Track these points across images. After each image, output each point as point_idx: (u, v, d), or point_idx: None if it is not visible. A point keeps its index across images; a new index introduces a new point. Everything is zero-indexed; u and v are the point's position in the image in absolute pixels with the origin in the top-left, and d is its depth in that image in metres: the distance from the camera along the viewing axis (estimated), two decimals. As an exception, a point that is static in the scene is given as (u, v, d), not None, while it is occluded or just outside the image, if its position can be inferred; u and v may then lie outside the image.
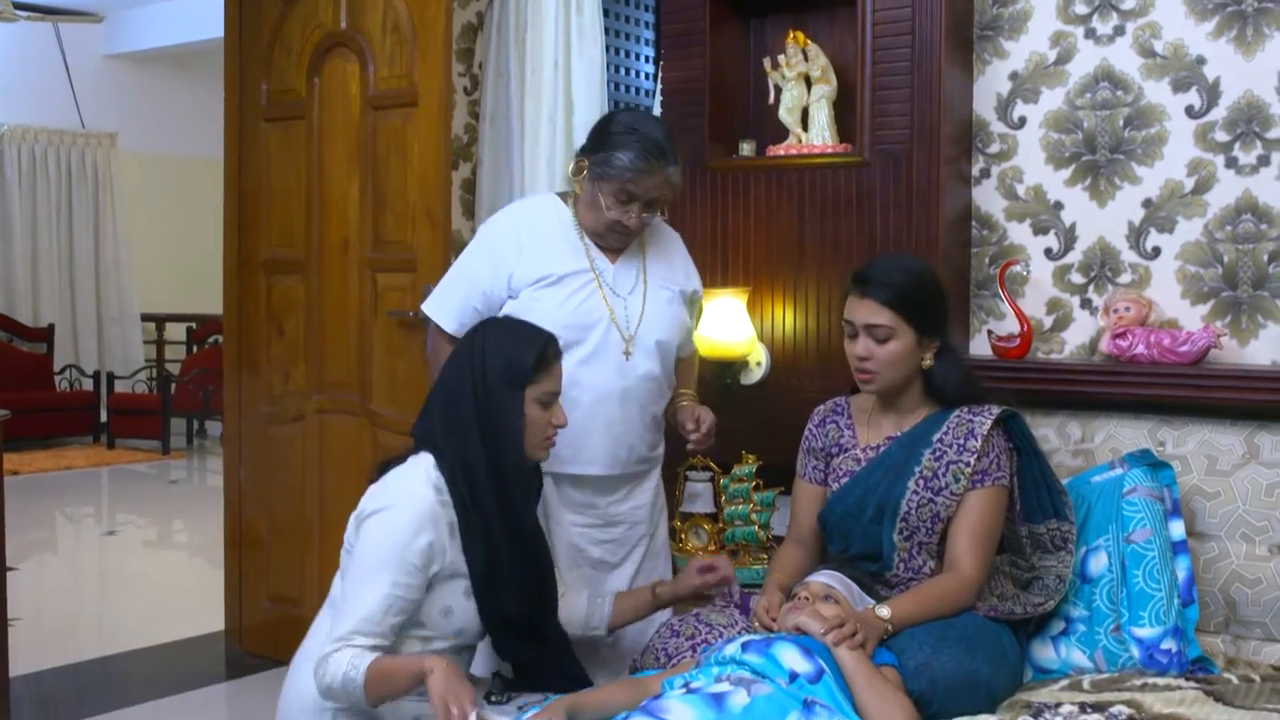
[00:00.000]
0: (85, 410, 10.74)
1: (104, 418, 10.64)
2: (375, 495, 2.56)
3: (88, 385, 10.94)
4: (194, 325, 11.69)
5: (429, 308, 3.10)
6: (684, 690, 2.24)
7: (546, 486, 2.96)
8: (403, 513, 2.47)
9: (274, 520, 4.75)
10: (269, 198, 4.76)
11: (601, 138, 2.97)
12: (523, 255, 2.99)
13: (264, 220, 4.77)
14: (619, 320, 3.00)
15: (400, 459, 2.62)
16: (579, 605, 2.87)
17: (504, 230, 3.06)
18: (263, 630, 4.79)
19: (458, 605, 2.54)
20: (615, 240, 3.03)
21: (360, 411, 4.50)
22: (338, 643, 2.40)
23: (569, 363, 2.90)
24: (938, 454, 2.79)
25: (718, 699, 2.16)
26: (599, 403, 2.97)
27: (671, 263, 3.16)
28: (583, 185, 3.00)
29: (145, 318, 11.72)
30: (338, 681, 2.36)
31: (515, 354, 2.58)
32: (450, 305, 3.05)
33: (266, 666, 4.67)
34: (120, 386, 10.89)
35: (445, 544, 2.50)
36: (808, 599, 2.61)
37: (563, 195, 3.13)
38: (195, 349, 11.56)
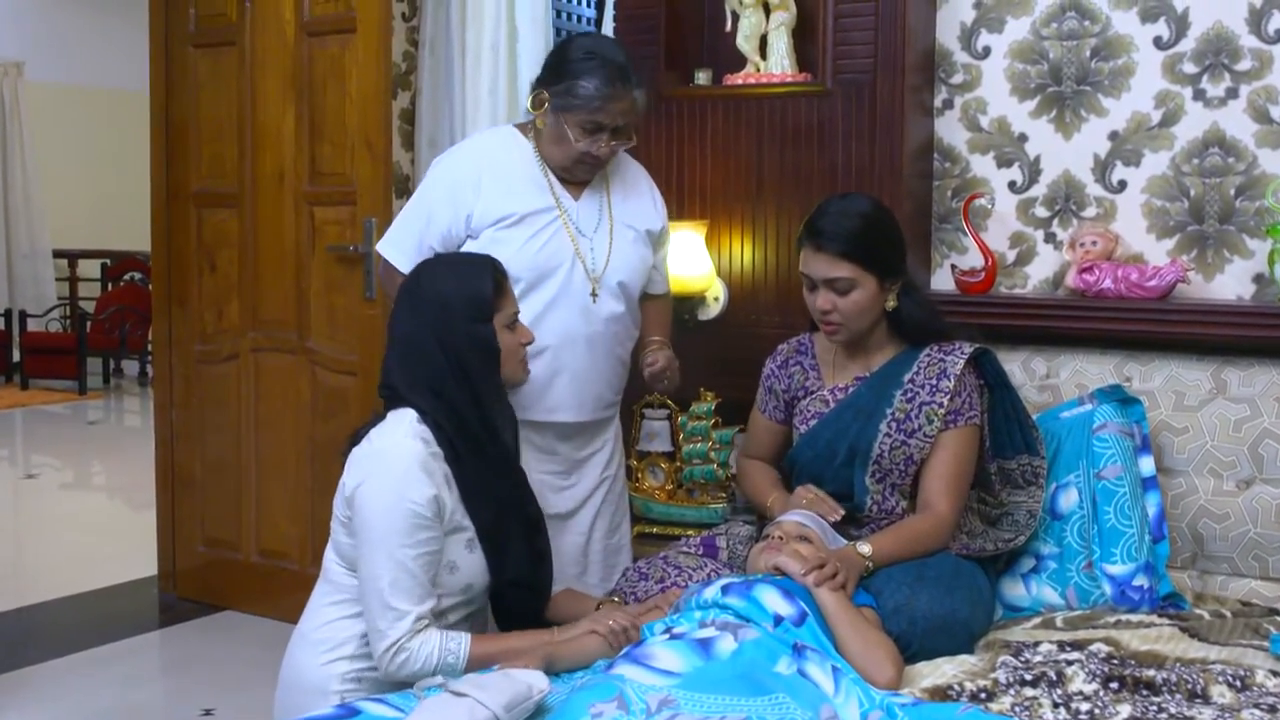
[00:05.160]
0: (-4, 350, 10.42)
1: (17, 357, 10.34)
2: (360, 462, 2.41)
3: (-1, 324, 10.61)
4: (109, 262, 11.35)
5: (384, 248, 2.96)
6: (667, 636, 2.17)
7: None
8: (397, 472, 2.34)
9: (207, 461, 4.63)
10: (198, 128, 4.59)
11: (560, 66, 2.83)
12: (483, 193, 2.85)
13: (193, 151, 4.61)
14: (585, 260, 2.89)
15: (372, 423, 2.48)
16: None
17: (463, 167, 2.91)
18: (197, 574, 4.67)
19: (461, 559, 2.43)
20: (584, 173, 2.91)
21: (297, 349, 4.38)
22: (403, 630, 2.29)
23: (533, 306, 2.81)
24: (909, 395, 2.73)
25: (704, 644, 2.09)
26: (565, 347, 2.87)
27: (637, 199, 3.03)
28: (544, 119, 2.86)
29: (58, 254, 11.35)
30: (430, 668, 2.30)
31: (472, 288, 2.46)
32: (406, 245, 2.90)
33: (203, 612, 4.56)
34: (33, 325, 10.55)
35: (445, 497, 2.38)
36: (782, 538, 2.55)
37: (521, 127, 2.99)
38: (110, 286, 11.24)
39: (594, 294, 2.89)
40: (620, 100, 2.79)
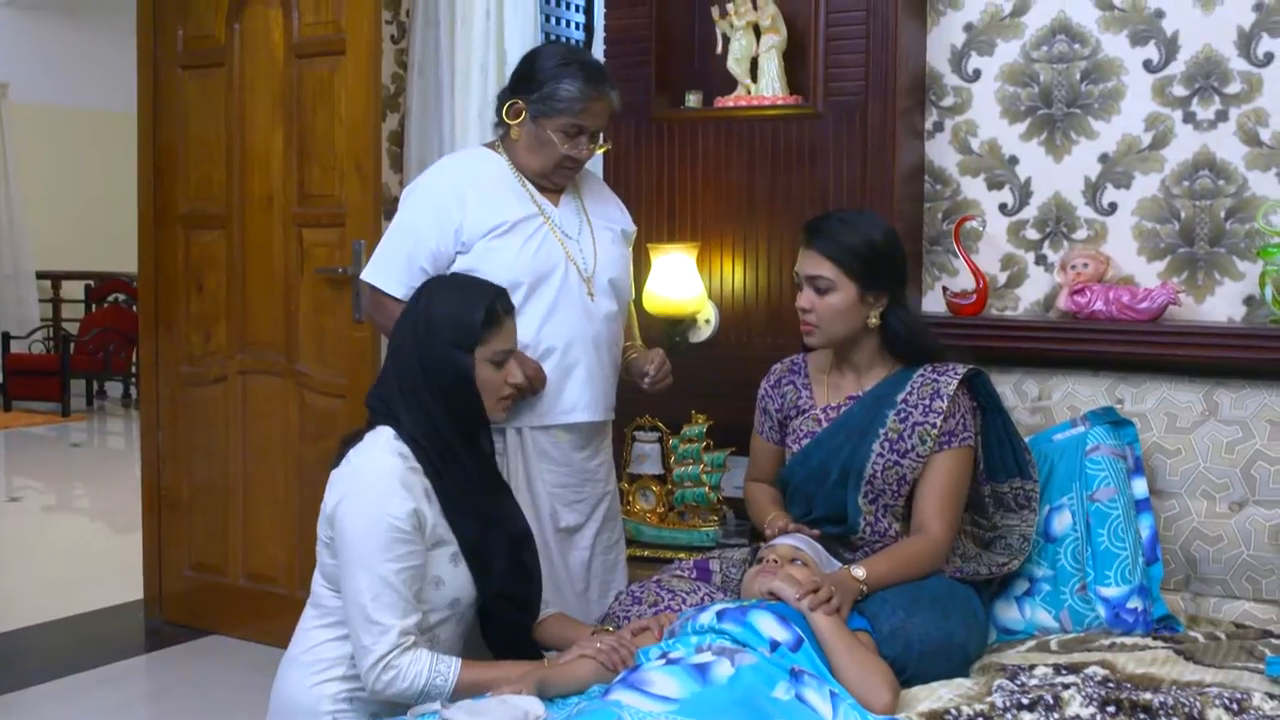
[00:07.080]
0: (-21, 372, 10.36)
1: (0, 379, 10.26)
2: (340, 482, 2.41)
3: (-19, 346, 10.54)
4: (92, 283, 11.31)
5: (371, 276, 2.93)
6: (663, 661, 2.15)
7: (525, 444, 2.89)
8: (376, 490, 2.33)
9: (195, 484, 4.59)
10: (186, 149, 4.57)
11: (534, 75, 2.87)
12: (468, 207, 2.86)
13: (181, 173, 4.59)
14: (576, 261, 2.92)
15: (359, 435, 2.47)
16: None
17: (443, 185, 2.93)
18: (184, 598, 4.63)
19: (446, 574, 2.42)
20: (563, 178, 2.95)
21: (286, 372, 4.36)
22: (388, 644, 2.28)
23: (537, 311, 2.83)
24: (902, 415, 2.72)
25: (701, 670, 2.07)
26: (572, 347, 2.88)
27: (606, 202, 3.11)
28: (520, 129, 2.90)
29: (41, 275, 11.31)
30: (417, 688, 2.28)
31: (463, 314, 2.45)
32: (394, 269, 2.89)
33: (190, 636, 4.52)
34: (16, 347, 10.50)
35: (425, 510, 2.37)
36: (776, 562, 2.54)
37: (490, 146, 3.02)
38: (94, 307, 11.19)
39: (590, 294, 2.92)
40: (600, 101, 2.86)
